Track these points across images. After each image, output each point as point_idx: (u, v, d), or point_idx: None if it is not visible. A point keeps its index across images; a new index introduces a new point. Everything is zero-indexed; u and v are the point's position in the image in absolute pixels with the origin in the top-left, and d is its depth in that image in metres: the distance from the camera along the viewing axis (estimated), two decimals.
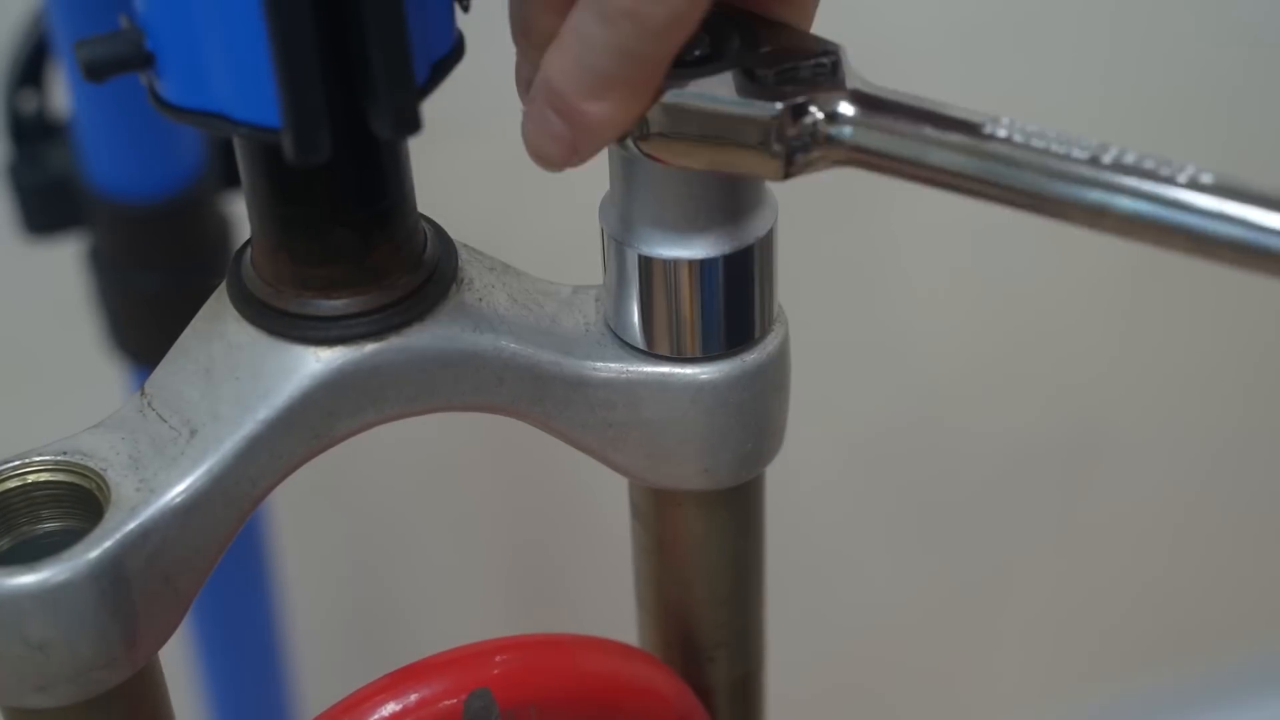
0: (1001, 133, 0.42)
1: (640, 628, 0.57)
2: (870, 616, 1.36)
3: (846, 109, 0.44)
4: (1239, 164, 1.22)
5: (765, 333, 0.50)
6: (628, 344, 0.50)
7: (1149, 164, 0.40)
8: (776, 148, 0.44)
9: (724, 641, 0.56)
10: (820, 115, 0.44)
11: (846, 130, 0.44)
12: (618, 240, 0.48)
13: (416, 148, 0.46)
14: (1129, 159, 0.41)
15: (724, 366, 0.49)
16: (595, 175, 0.49)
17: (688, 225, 0.47)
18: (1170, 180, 0.40)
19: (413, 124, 0.42)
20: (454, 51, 0.46)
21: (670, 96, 0.44)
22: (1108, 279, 1.25)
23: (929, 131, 0.43)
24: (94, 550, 0.44)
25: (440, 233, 0.49)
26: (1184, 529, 1.40)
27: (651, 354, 0.49)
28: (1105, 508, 1.36)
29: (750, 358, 0.50)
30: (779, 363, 0.50)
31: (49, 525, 0.47)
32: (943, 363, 1.26)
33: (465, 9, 0.46)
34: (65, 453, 0.47)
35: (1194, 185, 0.40)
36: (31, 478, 0.47)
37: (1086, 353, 1.30)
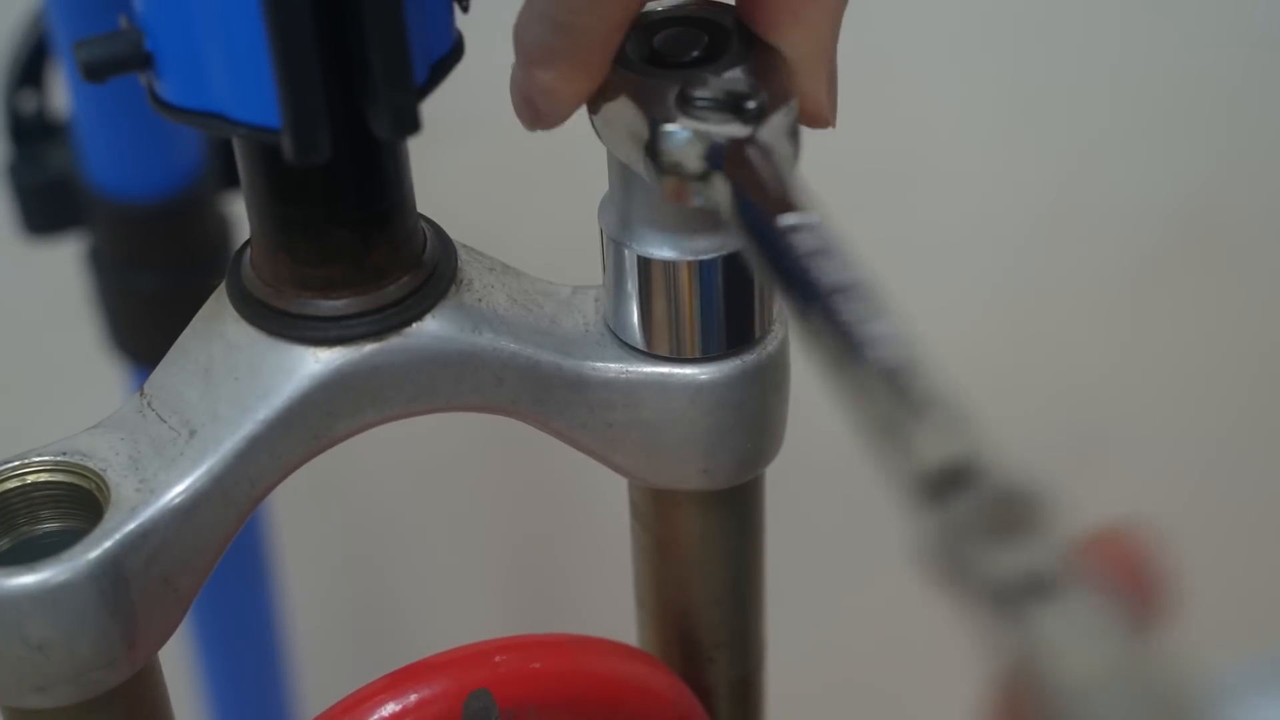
0: (803, 240, 0.40)
1: (640, 628, 0.57)
2: (870, 616, 1.36)
3: (695, 161, 0.43)
4: (1239, 163, 1.22)
5: (765, 333, 0.50)
6: (627, 344, 0.50)
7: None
8: (654, 164, 0.44)
9: (724, 641, 0.56)
10: (692, 152, 0.43)
11: (696, 180, 0.43)
12: (617, 241, 0.48)
13: (416, 148, 0.46)
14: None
15: (724, 367, 0.49)
16: (595, 175, 0.49)
17: (687, 225, 0.47)
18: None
19: (412, 124, 0.42)
20: (453, 52, 0.46)
21: (621, 86, 0.44)
22: (1109, 279, 1.25)
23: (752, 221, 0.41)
24: (94, 550, 0.44)
25: (440, 233, 0.49)
26: (1185, 528, 1.40)
27: (651, 354, 0.49)
28: (1105, 508, 1.36)
29: (750, 358, 0.50)
30: (779, 363, 0.50)
31: (48, 526, 0.47)
32: (943, 362, 1.26)
33: (465, 9, 0.46)
34: (65, 453, 0.47)
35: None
36: (31, 478, 0.47)
37: (1087, 353, 1.30)
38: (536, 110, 0.46)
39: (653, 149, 0.43)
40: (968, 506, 0.31)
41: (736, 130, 0.43)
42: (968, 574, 0.30)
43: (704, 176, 0.43)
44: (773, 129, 0.43)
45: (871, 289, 0.37)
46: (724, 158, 0.43)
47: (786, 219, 0.40)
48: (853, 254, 0.39)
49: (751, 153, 0.42)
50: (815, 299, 0.37)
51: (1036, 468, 0.32)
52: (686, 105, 0.43)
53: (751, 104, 0.43)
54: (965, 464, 0.32)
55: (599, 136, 0.46)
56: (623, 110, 0.45)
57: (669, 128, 0.43)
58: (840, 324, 0.37)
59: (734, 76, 0.44)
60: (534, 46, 0.45)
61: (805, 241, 0.39)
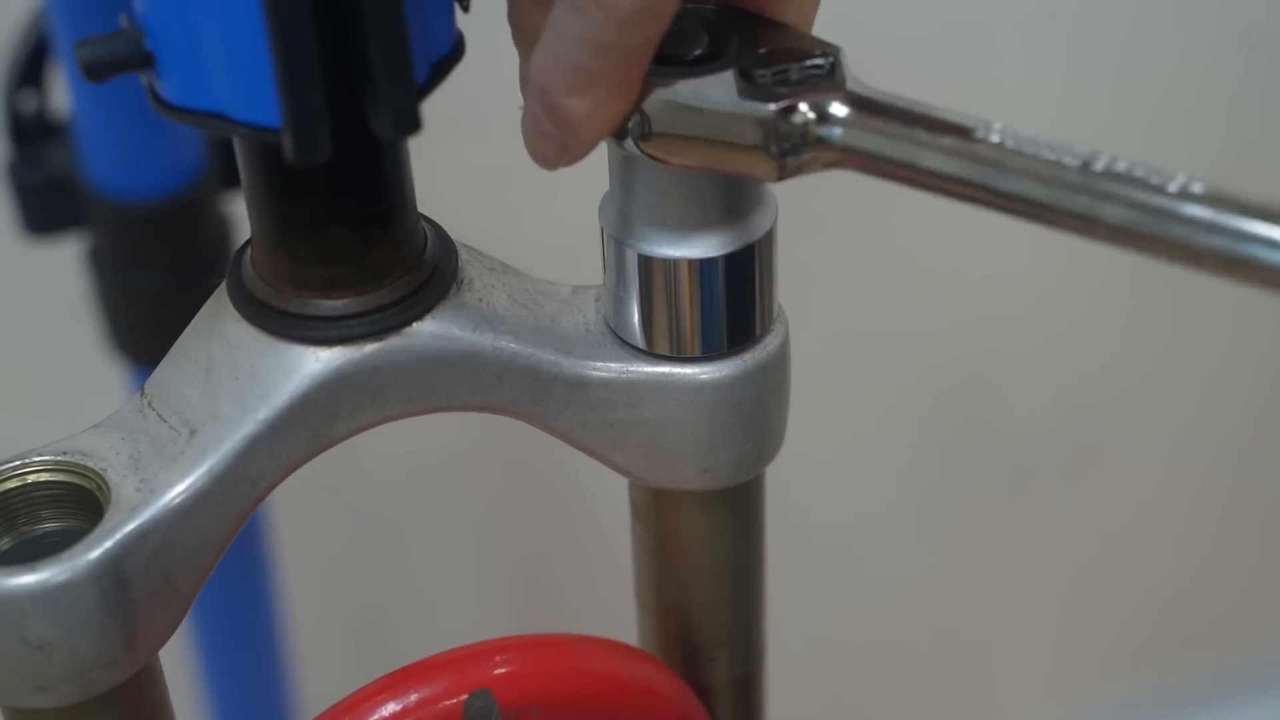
0: (994, 138, 0.42)
1: (640, 628, 0.57)
2: (871, 617, 1.36)
3: (838, 110, 0.43)
4: (1238, 163, 1.22)
5: (765, 332, 0.50)
6: (628, 344, 0.50)
7: (1139, 172, 0.40)
8: (771, 148, 0.44)
9: (724, 641, 0.56)
10: (812, 116, 0.43)
11: (837, 132, 0.44)
12: (617, 240, 0.48)
13: (416, 148, 0.46)
14: (1120, 167, 0.41)
15: (724, 366, 0.49)
16: (595, 174, 0.49)
17: (687, 224, 0.47)
18: (1160, 190, 0.40)
19: (412, 124, 0.42)
20: (454, 51, 0.46)
21: (666, 95, 0.44)
22: (1109, 278, 1.25)
23: (920, 135, 0.43)
24: (94, 550, 0.44)
25: (440, 233, 0.49)
26: (1185, 528, 1.40)
27: (651, 354, 0.49)
28: (1106, 507, 1.36)
29: (750, 357, 0.50)
30: (779, 362, 0.50)
31: (49, 525, 0.47)
32: (943, 362, 1.26)
33: (465, 9, 0.46)
34: (65, 453, 0.47)
35: (1184, 195, 0.40)
36: (31, 478, 0.47)
37: (1087, 352, 1.30)
38: (562, 145, 0.44)
39: (774, 135, 0.43)
40: None
41: (833, 90, 0.43)
42: None
43: (822, 142, 0.43)
44: (851, 76, 0.44)
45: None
46: (851, 111, 0.43)
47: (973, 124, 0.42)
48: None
49: (861, 96, 0.44)
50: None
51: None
52: (759, 89, 0.44)
53: (820, 61, 0.44)
54: None
55: (655, 155, 0.45)
56: (705, 113, 0.44)
57: (772, 107, 0.43)
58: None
59: (772, 52, 0.44)
60: (565, 75, 0.43)
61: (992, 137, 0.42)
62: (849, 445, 1.27)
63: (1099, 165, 0.41)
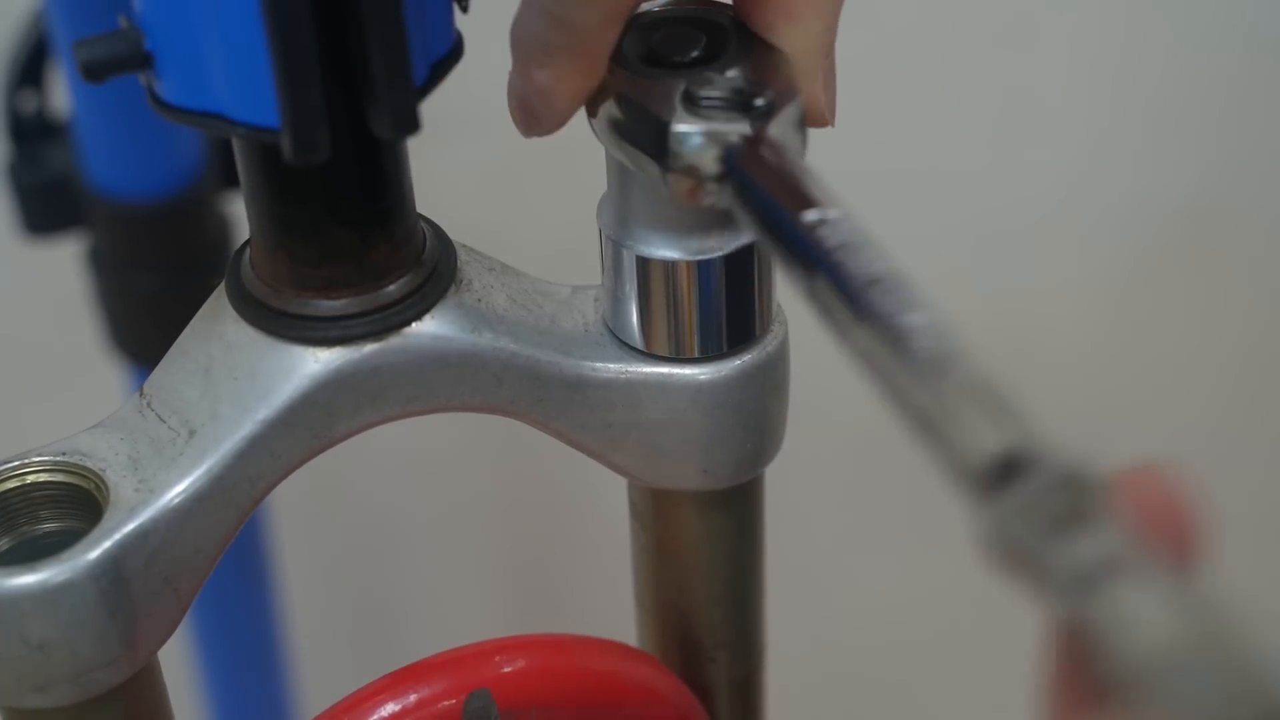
0: (830, 239, 0.39)
1: (640, 628, 0.57)
2: (871, 617, 1.36)
3: (710, 163, 0.43)
4: (1236, 164, 1.22)
5: (765, 333, 0.50)
6: (627, 344, 0.50)
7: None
8: (664, 165, 0.43)
9: (724, 641, 0.56)
10: (707, 153, 0.43)
11: (713, 182, 0.43)
12: (615, 240, 0.48)
13: (416, 148, 0.46)
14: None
15: (723, 367, 0.49)
16: (594, 175, 0.49)
17: (685, 225, 0.47)
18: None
19: (412, 124, 0.42)
20: (453, 51, 0.46)
21: (620, 86, 0.44)
22: (1108, 279, 1.25)
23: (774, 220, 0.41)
24: (93, 550, 0.44)
25: (439, 233, 0.49)
26: None
27: (650, 354, 0.49)
28: None
29: (750, 358, 0.50)
30: (779, 363, 0.50)
31: (48, 525, 0.47)
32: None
33: (464, 9, 0.46)
34: (64, 453, 0.47)
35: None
36: (31, 478, 0.47)
37: (1085, 352, 1.30)
38: (534, 113, 0.46)
39: (662, 150, 0.43)
40: (1030, 493, 0.31)
41: (747, 128, 0.43)
42: (1036, 561, 0.30)
43: (718, 177, 0.43)
44: (782, 125, 0.43)
45: (904, 279, 0.37)
46: (738, 157, 0.42)
47: (809, 215, 0.39)
48: (879, 245, 0.38)
49: (765, 150, 0.42)
50: (850, 294, 0.37)
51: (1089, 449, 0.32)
52: (693, 105, 0.43)
53: (760, 101, 0.43)
54: (1022, 451, 0.32)
55: (600, 139, 0.46)
56: (628, 111, 0.44)
57: (682, 128, 0.43)
58: (879, 317, 0.36)
59: (738, 75, 0.44)
60: (530, 44, 0.45)
61: (831, 236, 0.39)
62: (849, 445, 1.27)
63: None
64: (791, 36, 0.45)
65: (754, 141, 0.42)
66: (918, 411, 0.35)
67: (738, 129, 0.43)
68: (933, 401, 0.34)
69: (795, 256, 0.40)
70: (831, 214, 0.39)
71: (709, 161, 0.43)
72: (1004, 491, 0.32)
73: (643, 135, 0.44)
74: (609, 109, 0.45)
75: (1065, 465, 0.31)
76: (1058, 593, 0.30)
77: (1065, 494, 0.31)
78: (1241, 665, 0.27)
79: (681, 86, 0.44)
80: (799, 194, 0.41)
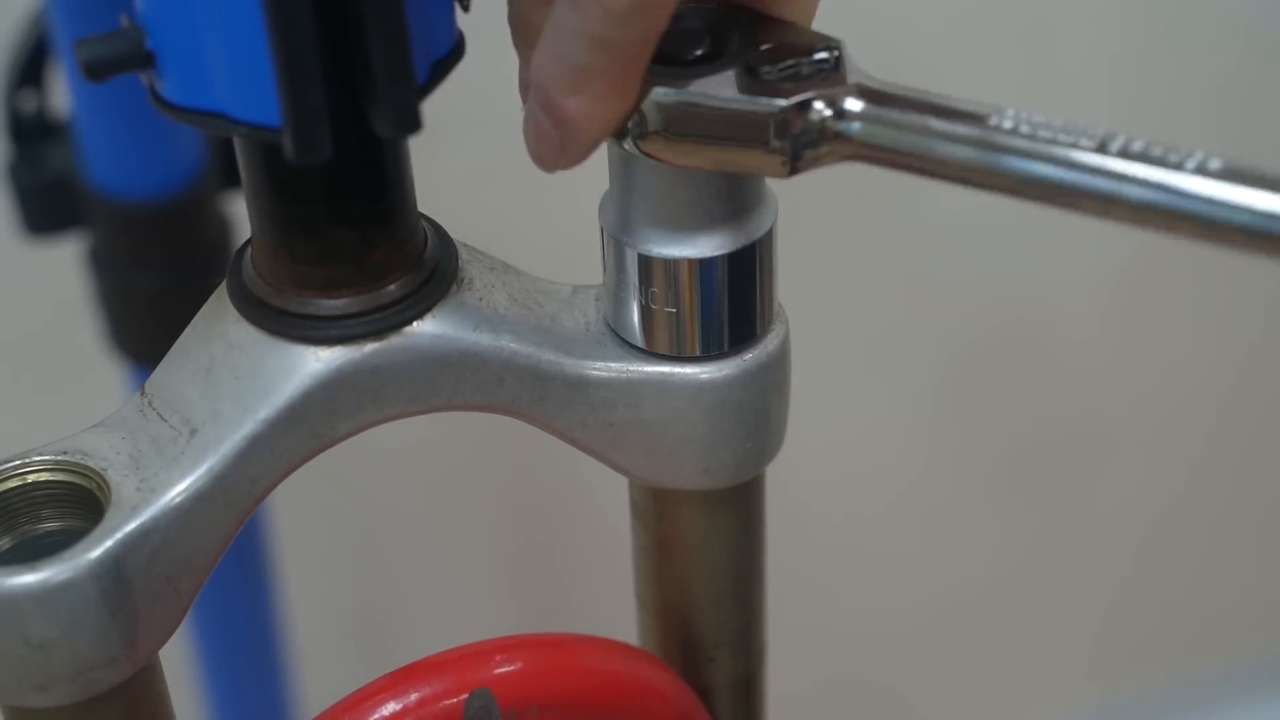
0: (1008, 124, 0.42)
1: (640, 627, 0.57)
2: (871, 616, 1.36)
3: (853, 104, 0.44)
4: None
5: (765, 332, 0.50)
6: (628, 343, 0.50)
7: (1156, 151, 0.40)
8: (780, 144, 0.44)
9: (724, 641, 0.56)
10: (827, 111, 0.43)
11: (854, 125, 0.44)
12: (617, 239, 0.48)
13: (416, 147, 0.46)
14: (1136, 147, 0.41)
15: (724, 366, 0.49)
16: (596, 174, 0.49)
17: (687, 224, 0.47)
18: (1178, 167, 0.40)
19: (413, 123, 0.42)
20: (454, 51, 0.46)
21: (669, 95, 0.44)
22: (1108, 277, 1.25)
23: (935, 124, 0.43)
24: (94, 550, 0.44)
25: (440, 232, 0.49)
26: (1186, 528, 1.40)
27: (651, 353, 0.49)
28: (1109, 508, 1.36)
29: (750, 357, 0.50)
30: (779, 362, 0.50)
31: (49, 525, 0.47)
32: (943, 362, 1.26)
33: (465, 9, 0.46)
34: (65, 452, 0.47)
35: (1202, 171, 0.40)
36: (32, 477, 0.47)
37: (1091, 351, 1.30)
38: (560, 145, 0.44)
39: (779, 131, 0.43)
40: None
41: (840, 82, 0.43)
42: None
43: (838, 136, 0.43)
44: (855, 68, 0.44)
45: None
46: (867, 99, 0.43)
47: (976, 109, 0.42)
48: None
49: (872, 89, 0.44)
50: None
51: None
52: (766, 85, 0.43)
53: (825, 56, 0.44)
54: None
55: (649, 154, 0.45)
56: (709, 114, 0.44)
57: (781, 102, 0.43)
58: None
59: (775, 48, 0.44)
60: (563, 73, 0.43)
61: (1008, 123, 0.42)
62: (850, 444, 1.27)
63: (1115, 146, 0.41)
64: (800, 5, 0.46)
65: (865, 88, 0.43)
66: None
67: (833, 88, 0.43)
68: None
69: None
70: (998, 112, 0.42)
71: (831, 124, 0.43)
72: None
73: (738, 130, 0.44)
74: (685, 116, 0.44)
75: None
76: None
77: None
78: None
79: (730, 74, 0.44)
80: (939, 105, 0.43)
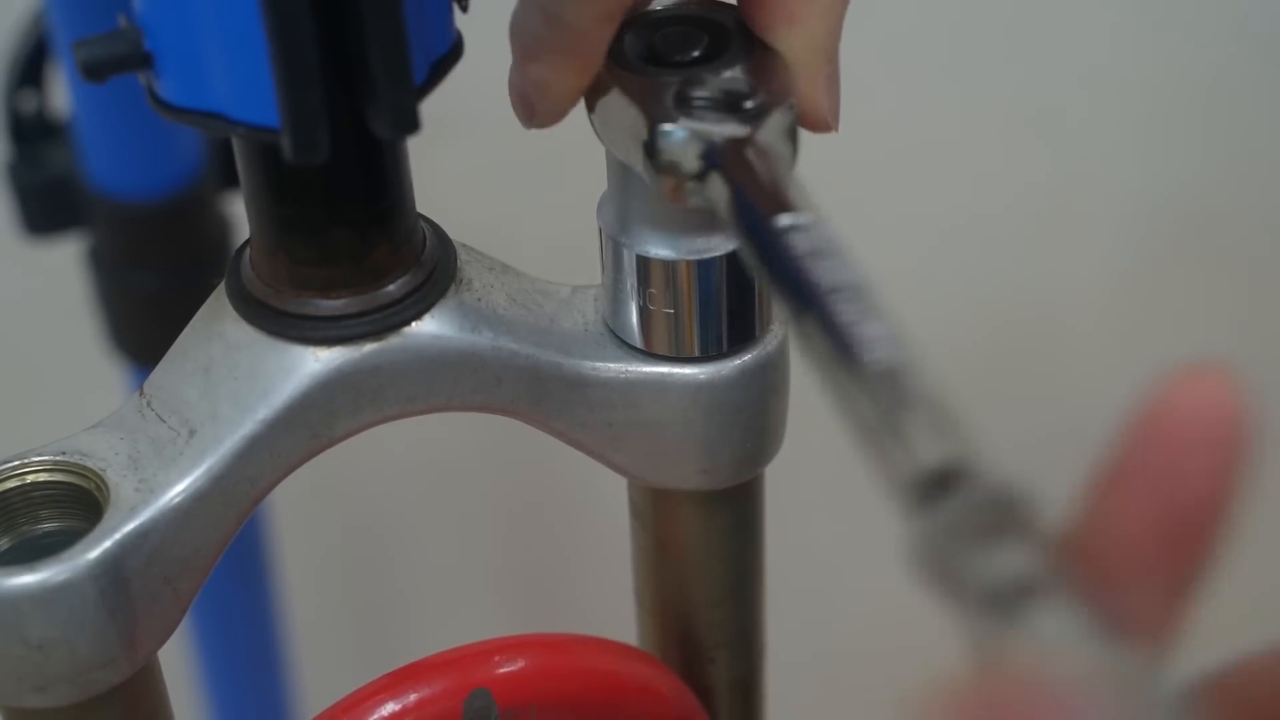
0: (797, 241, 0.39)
1: (640, 628, 0.57)
2: (870, 616, 1.36)
3: (692, 161, 0.43)
4: (1232, 163, 1.22)
5: (765, 332, 0.50)
6: (627, 344, 0.50)
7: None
8: (651, 163, 0.43)
9: (724, 641, 0.56)
10: (690, 151, 0.43)
11: (693, 180, 0.43)
12: (615, 240, 0.48)
13: (416, 147, 0.46)
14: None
15: (723, 366, 0.49)
16: (595, 174, 0.49)
17: (685, 225, 0.47)
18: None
19: (412, 123, 0.42)
20: (453, 51, 0.46)
21: (611, 84, 0.44)
22: (1108, 277, 1.25)
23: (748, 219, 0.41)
24: (93, 550, 0.44)
25: (439, 233, 0.49)
26: None
27: (650, 354, 0.49)
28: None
29: (750, 358, 0.50)
30: (779, 362, 0.50)
31: (48, 525, 0.47)
32: (942, 362, 1.26)
33: (464, 9, 0.46)
34: (64, 453, 0.47)
35: None
36: (30, 478, 0.47)
37: (1083, 352, 1.30)
38: (531, 106, 0.46)
39: (650, 148, 0.43)
40: (958, 509, 0.31)
41: (734, 130, 0.43)
42: (956, 576, 0.30)
43: (701, 176, 0.43)
44: (771, 129, 0.43)
45: (867, 290, 0.37)
46: (721, 157, 0.42)
47: (783, 219, 0.39)
48: (849, 254, 0.38)
49: (749, 153, 0.42)
50: (810, 300, 0.37)
51: (1027, 470, 0.32)
52: (684, 104, 0.43)
53: (749, 104, 0.43)
54: (957, 466, 0.32)
55: (597, 135, 0.46)
56: (621, 109, 0.44)
57: (667, 127, 0.43)
58: (835, 325, 0.37)
59: (732, 76, 0.44)
60: (527, 40, 0.45)
61: (801, 242, 0.39)
62: (848, 445, 1.27)
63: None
64: (791, 39, 0.45)
65: (739, 143, 0.42)
66: (861, 420, 0.35)
67: (724, 130, 0.43)
68: (876, 411, 0.34)
69: (764, 260, 0.40)
70: (806, 220, 0.39)
71: (690, 160, 0.43)
72: (936, 506, 0.32)
73: (635, 133, 0.44)
74: (607, 106, 0.45)
75: (998, 483, 0.32)
76: (974, 611, 0.30)
77: (995, 512, 0.31)
78: (1133, 695, 0.28)
79: (674, 86, 0.44)
80: (776, 198, 0.40)
